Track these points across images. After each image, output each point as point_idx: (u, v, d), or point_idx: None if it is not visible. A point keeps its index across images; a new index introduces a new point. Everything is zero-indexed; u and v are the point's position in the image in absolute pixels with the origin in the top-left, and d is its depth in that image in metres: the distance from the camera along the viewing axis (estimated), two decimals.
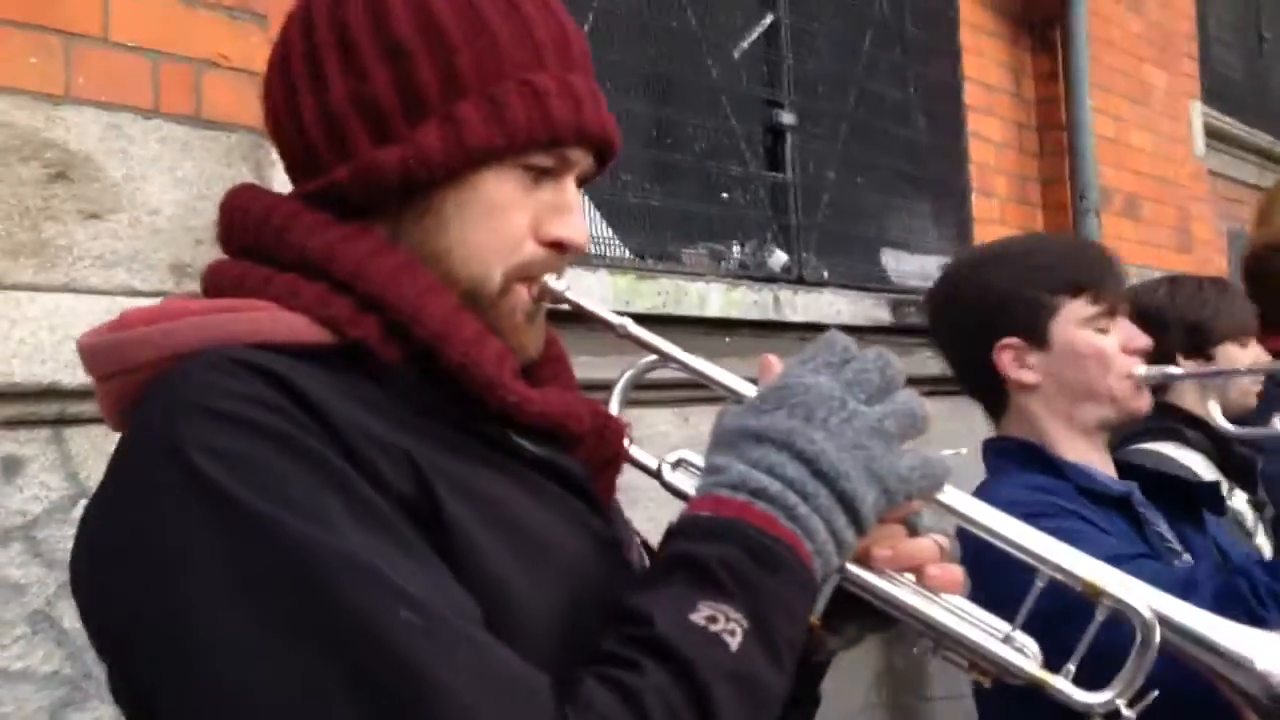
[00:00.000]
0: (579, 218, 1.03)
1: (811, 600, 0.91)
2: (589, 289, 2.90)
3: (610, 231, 3.26)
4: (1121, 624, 1.00)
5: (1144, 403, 1.73)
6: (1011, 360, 1.69)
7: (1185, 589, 1.40)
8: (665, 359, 1.10)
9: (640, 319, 1.10)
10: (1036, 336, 1.68)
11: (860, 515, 0.90)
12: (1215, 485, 2.04)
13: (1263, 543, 2.63)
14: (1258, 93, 7.11)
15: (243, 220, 1.00)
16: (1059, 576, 1.02)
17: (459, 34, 0.97)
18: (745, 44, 3.71)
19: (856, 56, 4.14)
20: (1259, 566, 1.48)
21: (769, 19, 3.80)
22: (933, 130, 4.46)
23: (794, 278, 3.73)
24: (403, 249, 0.98)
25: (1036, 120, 4.95)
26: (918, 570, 0.98)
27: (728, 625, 0.84)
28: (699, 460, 1.05)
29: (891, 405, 0.93)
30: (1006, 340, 1.69)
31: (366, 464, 0.86)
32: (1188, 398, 2.62)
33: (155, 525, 0.84)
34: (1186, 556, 1.62)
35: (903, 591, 0.98)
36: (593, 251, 3.10)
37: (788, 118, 3.80)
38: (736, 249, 3.63)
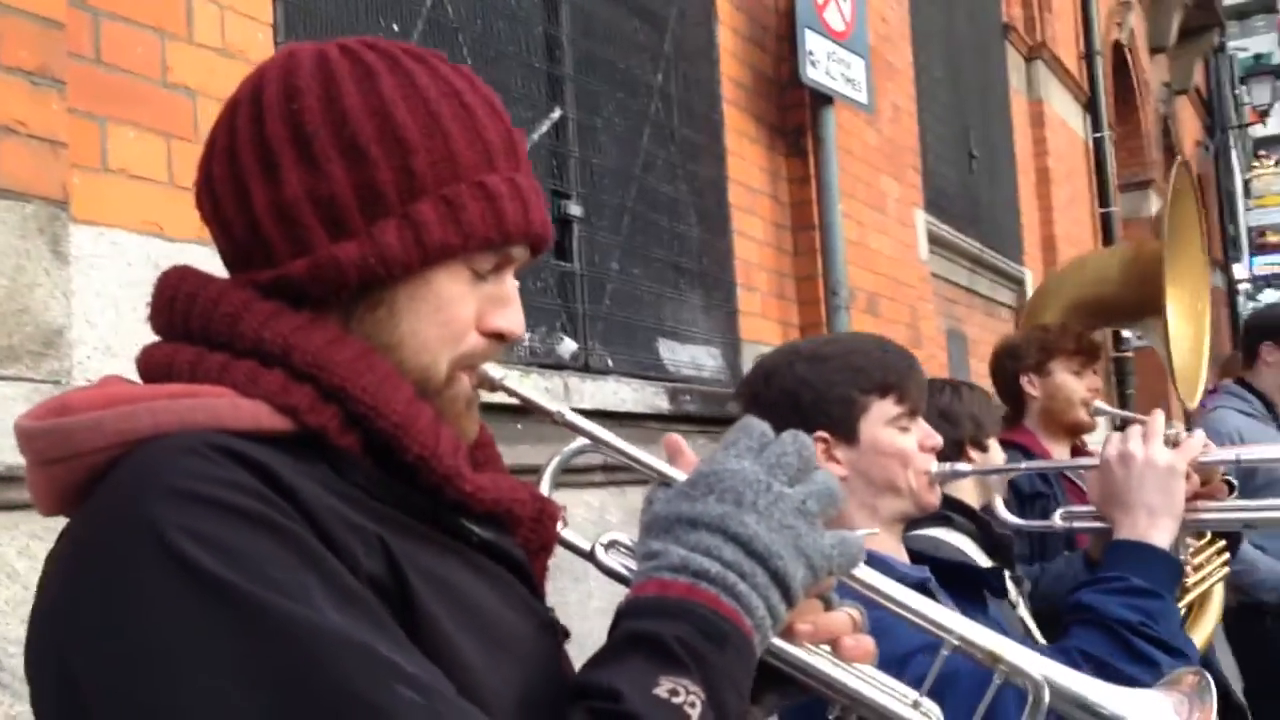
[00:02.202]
0: (518, 309, 1.08)
1: (752, 672, 0.97)
2: None
3: None
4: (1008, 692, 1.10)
5: (936, 497, 1.86)
6: (821, 454, 1.77)
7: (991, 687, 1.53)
8: (599, 444, 1.15)
9: None
10: (846, 433, 1.78)
11: (791, 591, 0.97)
12: (1000, 570, 2.20)
13: (1024, 614, 2.87)
14: (969, 203, 7.82)
15: (188, 305, 1.00)
16: (961, 645, 1.12)
17: (416, 135, 0.99)
18: (535, 136, 3.78)
19: (636, 153, 4.29)
20: (1055, 652, 1.57)
21: (557, 113, 3.90)
22: (703, 226, 4.66)
23: (581, 365, 3.79)
24: (356, 340, 1.00)
25: (791, 221, 5.26)
26: (834, 642, 1.05)
27: (688, 698, 0.89)
28: (628, 541, 1.12)
29: (812, 486, 1.00)
30: (818, 434, 1.77)
31: (343, 548, 0.88)
32: (961, 488, 2.86)
33: (141, 611, 0.82)
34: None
35: (821, 662, 1.05)
36: None
37: (575, 209, 3.88)
38: (528, 336, 3.65)
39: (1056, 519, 1.84)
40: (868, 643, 1.05)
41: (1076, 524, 1.80)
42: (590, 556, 1.12)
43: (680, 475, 1.05)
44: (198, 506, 0.84)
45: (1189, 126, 16.91)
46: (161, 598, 0.81)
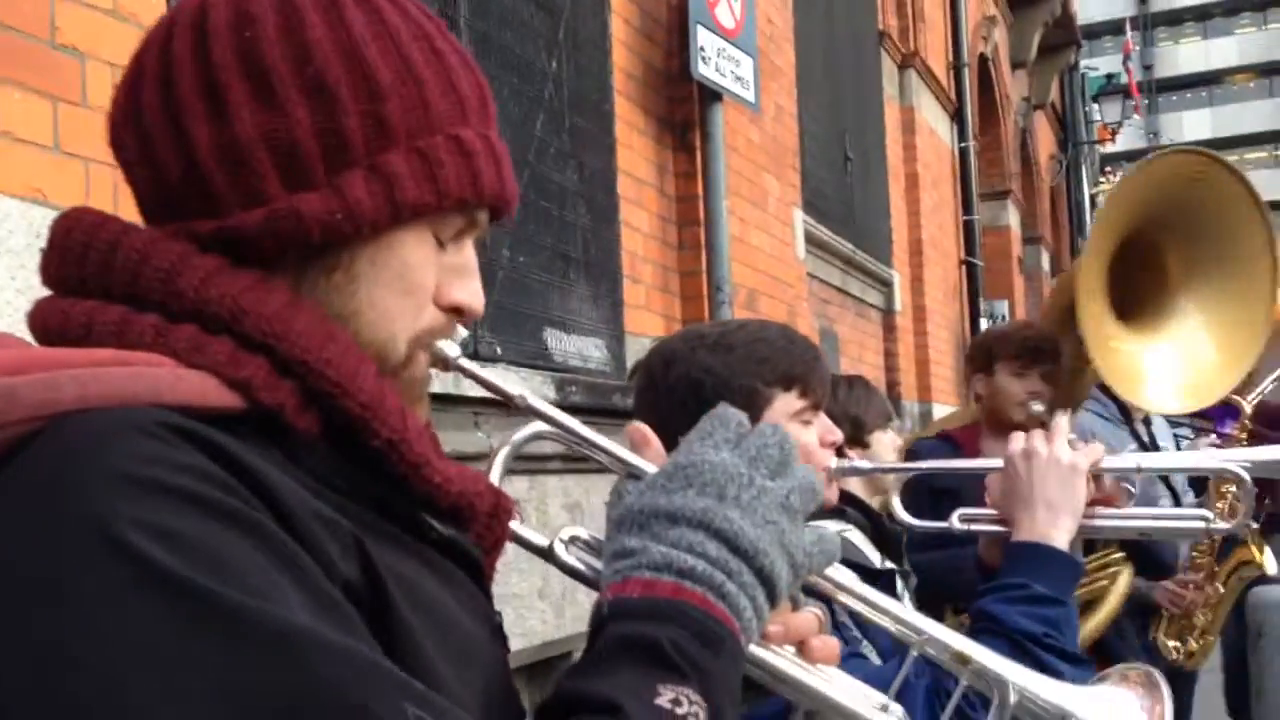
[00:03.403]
0: (478, 281, 0.98)
1: (740, 675, 0.90)
2: None
3: None
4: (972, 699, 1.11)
5: (834, 494, 1.84)
6: None
7: (900, 691, 1.54)
8: (567, 432, 1.05)
9: None
10: None
11: (776, 590, 0.90)
12: (893, 573, 2.23)
13: (908, 605, 2.93)
14: (843, 205, 7.97)
15: (106, 255, 0.85)
16: (929, 649, 1.11)
17: (388, 79, 0.89)
18: None
19: (529, 139, 4.25)
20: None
21: None
22: (592, 216, 4.64)
23: (470, 353, 3.73)
24: (313, 306, 0.88)
25: (676, 216, 5.28)
26: (801, 643, 0.99)
27: (691, 709, 0.82)
28: (588, 537, 1.03)
29: (793, 480, 0.94)
30: None
31: (316, 547, 0.77)
32: (852, 482, 2.90)
33: (88, 622, 0.68)
34: (865, 643, 1.71)
35: (787, 664, 1.00)
36: None
37: None
38: None
39: (955, 521, 1.85)
40: (833, 644, 1.01)
41: (974, 526, 1.81)
42: (549, 554, 1.03)
43: (650, 467, 0.97)
44: (155, 496, 0.71)
45: (1045, 140, 17.59)
46: (113, 606, 0.68)
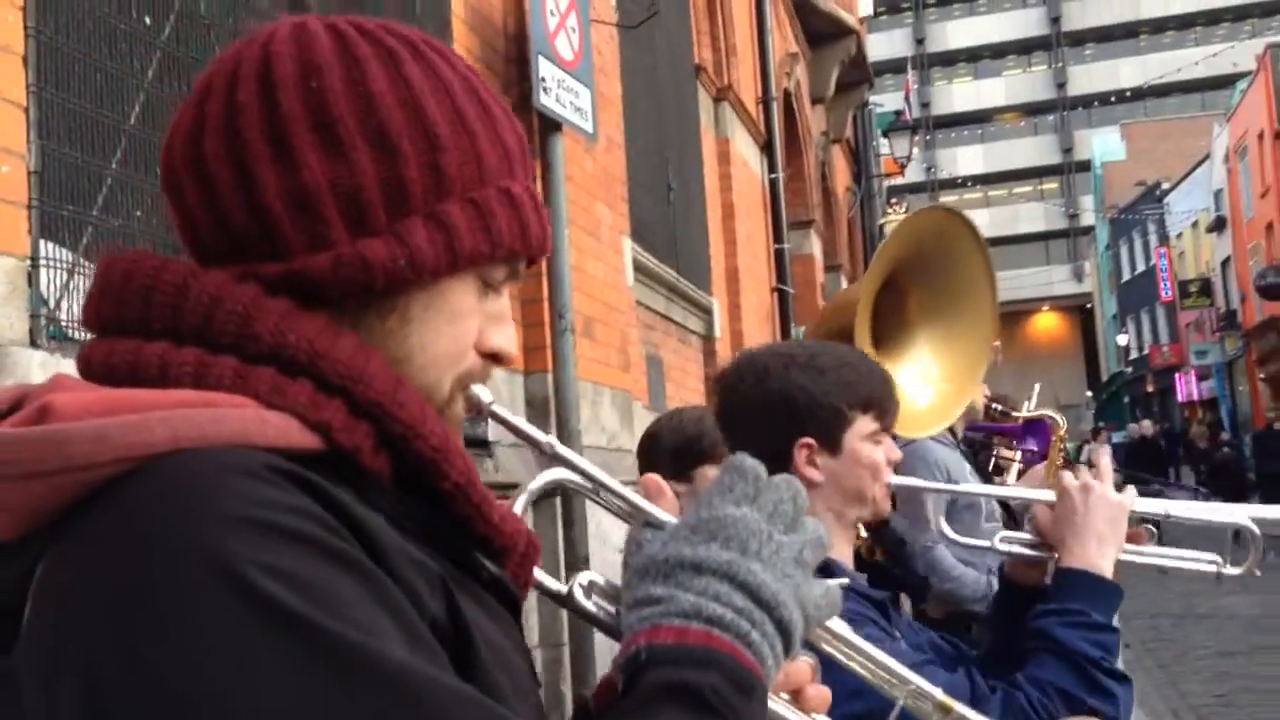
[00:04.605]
0: (514, 328, 1.02)
1: None
2: None
3: None
4: None
5: (889, 507, 1.99)
6: (805, 459, 1.84)
7: (975, 701, 1.63)
8: (588, 479, 1.06)
9: None
10: (831, 443, 1.85)
11: (792, 641, 0.93)
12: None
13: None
14: (667, 233, 8.15)
15: (175, 297, 0.87)
16: (913, 700, 1.14)
17: (446, 131, 0.92)
18: None
19: None
20: (1029, 682, 1.72)
21: None
22: None
23: None
24: (376, 350, 0.91)
25: None
26: (796, 691, 1.01)
27: None
28: (603, 582, 1.04)
29: (806, 535, 0.97)
30: (806, 440, 1.84)
31: (409, 586, 0.81)
32: None
33: (221, 663, 0.70)
34: (901, 641, 1.84)
35: (786, 710, 1.01)
36: None
37: None
38: None
39: (996, 541, 1.97)
40: (826, 692, 1.02)
41: (1014, 549, 1.93)
42: (567, 600, 1.02)
43: (666, 516, 1.00)
44: (271, 538, 0.73)
45: (841, 173, 18.38)
46: (241, 644, 0.70)
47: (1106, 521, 1.82)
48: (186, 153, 0.91)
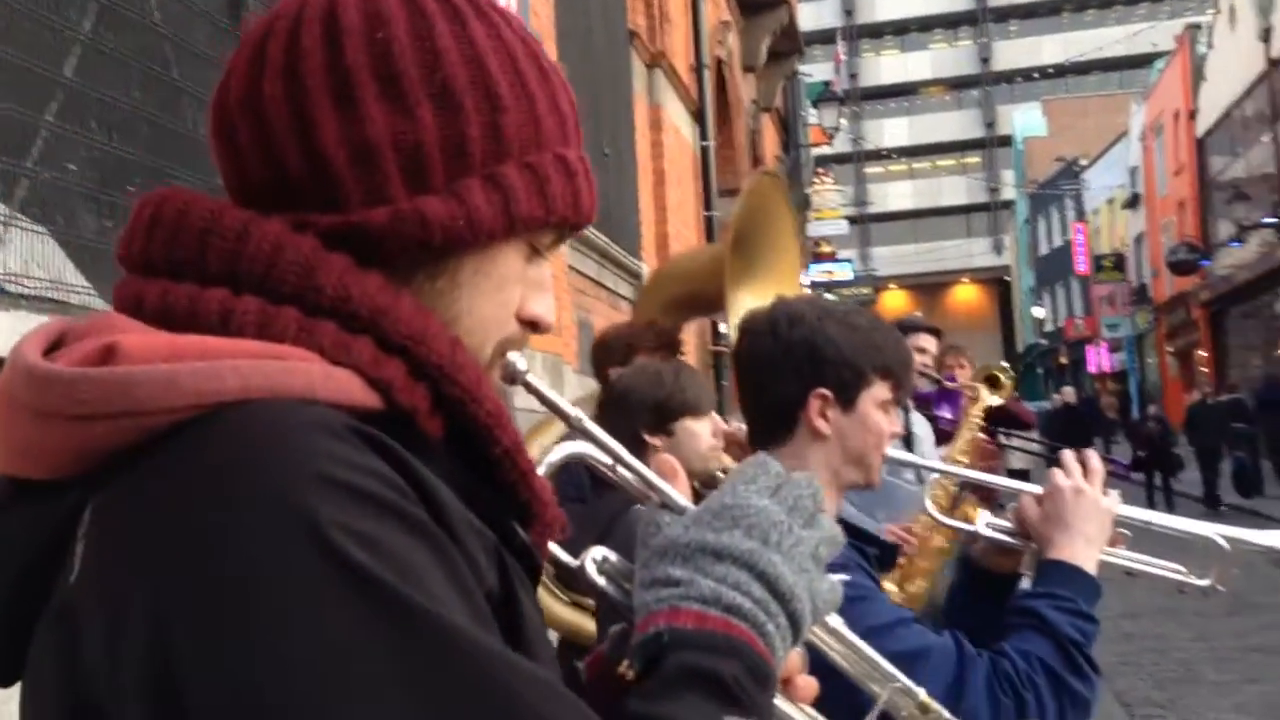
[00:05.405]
0: (553, 297, 1.00)
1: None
2: None
3: (88, 281, 2.97)
4: None
5: (879, 476, 1.98)
6: (818, 409, 1.85)
7: (961, 665, 1.69)
8: (609, 454, 1.05)
9: None
10: (846, 400, 1.86)
11: (800, 634, 0.93)
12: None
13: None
14: (601, 199, 8.13)
15: (235, 243, 0.84)
16: (896, 697, 1.17)
17: (507, 92, 0.91)
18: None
19: None
20: (1015, 652, 1.77)
21: None
22: None
23: None
24: (431, 310, 0.89)
25: None
26: (785, 680, 1.00)
27: None
28: (615, 559, 1.02)
29: (822, 531, 0.97)
30: (823, 390, 1.85)
31: (470, 556, 0.80)
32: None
33: (296, 615, 0.70)
34: (886, 598, 1.88)
35: (776, 700, 1.01)
36: (74, 301, 2.83)
37: None
38: None
39: (981, 526, 2.01)
40: (813, 683, 1.02)
41: (996, 535, 1.97)
42: (579, 574, 1.01)
43: (681, 499, 0.99)
44: (350, 499, 0.73)
45: (770, 142, 18.50)
46: (318, 603, 0.70)
47: (1095, 525, 1.89)
48: (243, 92, 0.89)
